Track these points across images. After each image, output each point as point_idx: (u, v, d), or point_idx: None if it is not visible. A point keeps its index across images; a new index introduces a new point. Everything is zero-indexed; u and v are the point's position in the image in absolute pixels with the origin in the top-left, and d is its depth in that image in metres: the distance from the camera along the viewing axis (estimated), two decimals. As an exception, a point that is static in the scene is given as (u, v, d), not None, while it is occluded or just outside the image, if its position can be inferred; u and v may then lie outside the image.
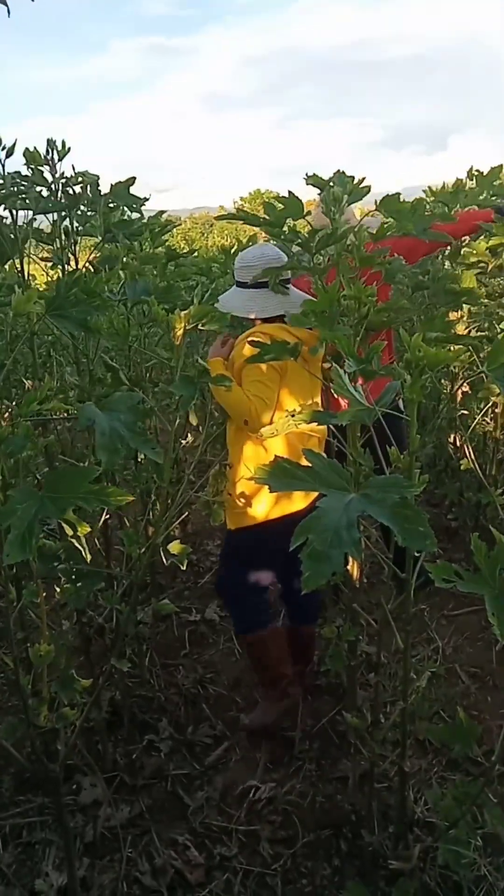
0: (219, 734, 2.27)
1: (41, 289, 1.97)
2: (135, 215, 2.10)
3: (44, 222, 1.94)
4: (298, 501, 2.03)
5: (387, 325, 1.59)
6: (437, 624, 2.78)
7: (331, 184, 1.67)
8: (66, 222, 1.96)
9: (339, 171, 1.73)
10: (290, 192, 1.68)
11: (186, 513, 3.15)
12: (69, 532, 1.03)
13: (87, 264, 1.86)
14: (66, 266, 1.98)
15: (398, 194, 1.64)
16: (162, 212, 2.53)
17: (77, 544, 1.04)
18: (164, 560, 1.49)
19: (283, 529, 2.09)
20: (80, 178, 1.88)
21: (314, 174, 1.61)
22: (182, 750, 2.19)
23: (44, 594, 1.56)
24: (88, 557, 1.10)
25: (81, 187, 1.85)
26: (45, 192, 1.80)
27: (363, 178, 1.66)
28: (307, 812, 1.92)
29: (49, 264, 2.08)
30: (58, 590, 1.63)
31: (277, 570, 2.21)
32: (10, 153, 1.68)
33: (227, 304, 1.92)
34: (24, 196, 1.67)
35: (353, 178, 1.70)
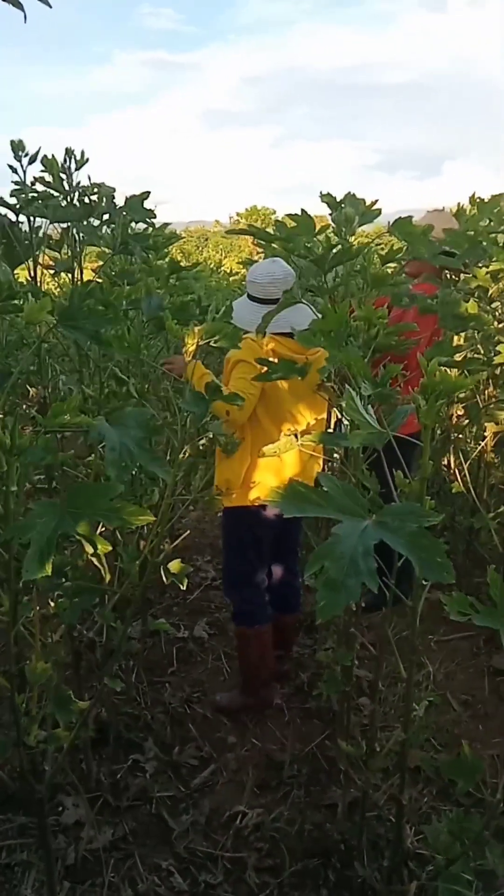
0: (205, 756, 2.22)
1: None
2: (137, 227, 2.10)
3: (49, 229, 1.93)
4: (272, 485, 2.12)
5: (395, 349, 1.59)
6: (428, 649, 2.75)
7: (342, 205, 1.67)
8: (74, 231, 1.96)
9: (349, 192, 1.74)
10: (302, 210, 1.68)
11: (177, 527, 3.13)
12: (89, 550, 1.00)
13: (97, 274, 1.85)
14: (73, 274, 1.98)
15: (410, 217, 1.64)
16: (165, 224, 2.53)
17: (97, 562, 1.01)
18: (163, 577, 1.46)
19: (265, 516, 2.22)
20: (95, 189, 1.87)
21: (328, 193, 1.61)
22: (168, 771, 2.14)
23: (36, 607, 1.52)
24: (108, 577, 1.06)
25: (97, 198, 1.84)
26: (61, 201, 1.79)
27: (375, 201, 1.66)
28: (295, 840, 1.88)
29: (50, 271, 2.08)
30: (51, 603, 1.59)
31: (266, 554, 2.34)
32: (32, 160, 1.67)
33: (237, 315, 1.92)
34: (45, 204, 1.65)
35: (363, 200, 1.71)
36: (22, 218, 1.80)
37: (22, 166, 1.72)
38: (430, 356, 1.15)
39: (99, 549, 1.00)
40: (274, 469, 2.15)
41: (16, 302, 1.37)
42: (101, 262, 2.14)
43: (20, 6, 1.51)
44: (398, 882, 1.50)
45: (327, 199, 1.61)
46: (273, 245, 2.16)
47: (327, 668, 1.78)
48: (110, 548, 1.02)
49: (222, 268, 6.46)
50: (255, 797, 2.05)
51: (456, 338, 2.50)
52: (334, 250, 1.51)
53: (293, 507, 0.93)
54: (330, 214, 1.66)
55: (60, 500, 1.06)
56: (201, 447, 1.95)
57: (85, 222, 1.95)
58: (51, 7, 1.16)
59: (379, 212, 1.67)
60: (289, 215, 1.66)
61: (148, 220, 2.03)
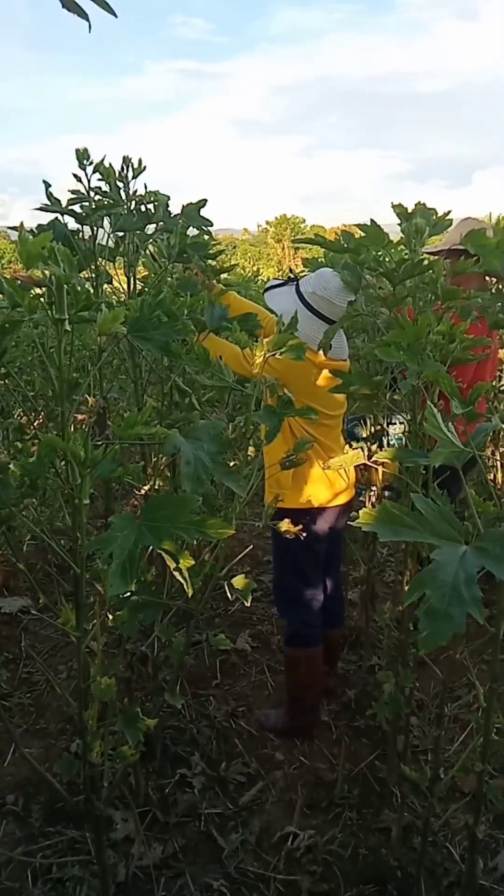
0: (252, 772, 2.19)
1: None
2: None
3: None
4: (324, 495, 2.14)
5: (470, 363, 1.54)
6: (479, 669, 2.68)
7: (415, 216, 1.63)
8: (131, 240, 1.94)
9: (420, 202, 1.69)
10: (371, 221, 1.65)
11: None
12: (171, 564, 0.97)
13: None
14: (129, 284, 1.96)
15: (483, 230, 1.60)
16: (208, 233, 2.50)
17: (179, 577, 0.99)
18: (227, 591, 1.43)
19: (317, 522, 2.17)
20: (152, 198, 1.86)
21: (399, 203, 1.57)
22: (215, 787, 2.11)
23: (96, 621, 1.50)
24: (190, 592, 1.04)
25: (154, 206, 1.82)
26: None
27: (448, 212, 1.62)
28: (349, 864, 1.83)
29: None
30: (110, 616, 1.57)
31: (320, 568, 2.27)
32: (97, 169, 1.66)
33: (302, 332, 1.84)
34: (109, 214, 1.64)
35: (434, 210, 1.67)
36: (71, 224, 1.79)
37: (87, 174, 1.71)
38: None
39: (182, 563, 0.98)
40: (321, 473, 2.11)
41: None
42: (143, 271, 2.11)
43: (85, 16, 1.50)
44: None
45: (398, 209, 1.57)
46: (315, 255, 2.14)
47: (388, 690, 1.73)
48: (193, 562, 0.99)
49: (259, 276, 6.43)
50: (306, 817, 2.01)
51: None
52: (406, 263, 1.47)
53: (388, 530, 0.89)
54: (399, 225, 1.63)
55: (138, 514, 1.03)
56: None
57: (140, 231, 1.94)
58: (116, 16, 1.15)
59: (450, 223, 1.63)
60: (357, 225, 1.62)
61: (205, 228, 2.00)
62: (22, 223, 1.20)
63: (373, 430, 2.40)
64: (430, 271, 1.56)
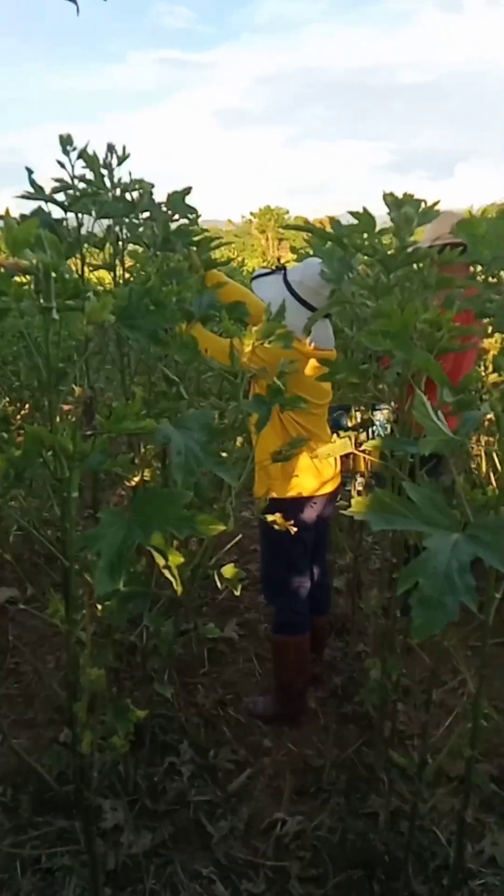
0: (241, 759, 2.20)
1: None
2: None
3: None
4: (312, 485, 2.15)
5: (453, 350, 1.55)
6: (463, 655, 2.71)
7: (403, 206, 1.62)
8: (117, 228, 1.92)
9: (408, 193, 1.69)
10: (364, 209, 1.64)
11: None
12: (160, 562, 0.96)
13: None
14: (115, 272, 1.94)
15: (476, 218, 1.60)
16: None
17: (169, 574, 0.98)
18: (217, 581, 1.43)
19: (305, 511, 2.17)
20: (136, 185, 1.83)
21: (390, 193, 1.56)
22: (204, 775, 2.12)
23: (84, 611, 1.50)
24: (180, 589, 1.03)
25: (139, 194, 1.80)
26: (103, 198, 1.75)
27: (437, 202, 1.62)
28: (337, 849, 1.85)
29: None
30: (98, 606, 1.56)
31: (308, 557, 2.27)
32: (80, 156, 1.64)
33: (290, 321, 1.86)
34: (93, 201, 1.62)
35: (424, 200, 1.66)
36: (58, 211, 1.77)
37: (70, 161, 1.68)
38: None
39: (171, 560, 0.97)
40: (310, 462, 2.11)
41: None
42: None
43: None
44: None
45: (389, 198, 1.56)
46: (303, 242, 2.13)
47: (374, 677, 1.75)
48: (183, 560, 0.98)
49: (244, 268, 6.40)
50: (294, 804, 2.02)
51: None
52: (403, 251, 1.47)
53: (380, 519, 0.90)
54: (388, 214, 1.62)
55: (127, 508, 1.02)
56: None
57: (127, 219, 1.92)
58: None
59: (437, 213, 1.63)
60: (350, 212, 1.61)
61: (190, 216, 1.98)
62: (8, 210, 1.18)
63: (359, 418, 2.41)
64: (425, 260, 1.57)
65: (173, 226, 1.89)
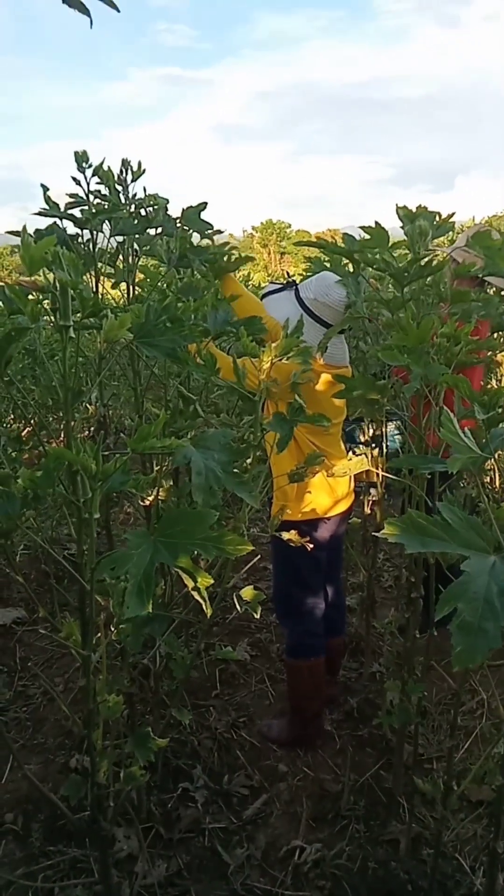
0: (256, 785, 2.15)
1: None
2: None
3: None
4: (326, 504, 2.11)
5: (474, 365, 1.53)
6: (480, 675, 2.66)
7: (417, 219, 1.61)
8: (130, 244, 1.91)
9: (421, 205, 1.68)
10: (376, 223, 1.62)
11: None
12: (189, 584, 0.93)
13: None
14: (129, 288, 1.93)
15: (489, 230, 1.58)
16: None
17: (198, 597, 0.95)
18: (236, 603, 1.40)
19: (319, 531, 2.14)
20: (151, 201, 1.82)
21: (403, 206, 1.55)
22: (218, 801, 2.07)
23: (98, 635, 1.46)
24: (209, 611, 1.00)
25: (154, 210, 1.79)
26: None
27: (452, 214, 1.60)
28: (358, 878, 1.79)
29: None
30: (113, 630, 1.53)
31: (322, 577, 2.23)
32: (96, 172, 1.62)
33: (308, 338, 1.84)
34: (110, 217, 1.61)
35: (438, 213, 1.65)
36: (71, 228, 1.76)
37: (86, 178, 1.67)
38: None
39: (200, 582, 0.94)
40: (324, 481, 2.08)
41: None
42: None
43: (86, 11, 1.45)
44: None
45: (402, 211, 1.55)
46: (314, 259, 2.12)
47: (394, 699, 1.70)
48: (212, 581, 0.95)
49: (250, 282, 6.40)
50: (312, 830, 1.97)
51: None
52: (415, 264, 1.45)
53: (415, 541, 0.86)
54: (402, 227, 1.60)
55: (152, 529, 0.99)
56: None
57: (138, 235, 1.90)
58: (119, 11, 1.12)
59: (452, 225, 1.61)
60: (362, 227, 1.60)
61: (205, 232, 1.97)
62: (24, 227, 1.16)
63: (372, 433, 2.38)
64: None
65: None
